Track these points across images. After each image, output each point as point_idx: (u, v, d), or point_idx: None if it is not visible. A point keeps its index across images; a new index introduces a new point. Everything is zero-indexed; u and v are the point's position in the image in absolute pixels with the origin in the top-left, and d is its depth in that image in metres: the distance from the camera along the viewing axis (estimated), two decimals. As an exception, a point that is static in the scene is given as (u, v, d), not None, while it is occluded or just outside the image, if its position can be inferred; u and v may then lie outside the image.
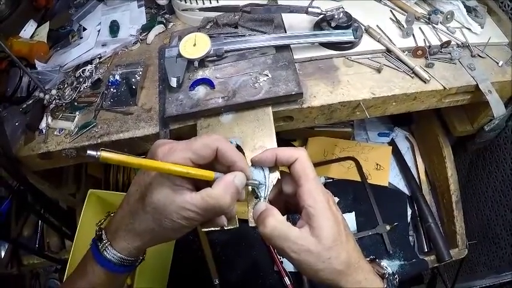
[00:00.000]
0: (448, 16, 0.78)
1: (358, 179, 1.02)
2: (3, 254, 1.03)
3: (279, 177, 0.49)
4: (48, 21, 0.91)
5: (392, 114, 0.76)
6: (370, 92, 0.69)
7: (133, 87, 0.76)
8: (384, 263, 0.49)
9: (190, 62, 0.69)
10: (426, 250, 0.94)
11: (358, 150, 1.07)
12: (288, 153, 0.47)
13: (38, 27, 0.90)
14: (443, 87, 0.70)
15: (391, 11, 0.82)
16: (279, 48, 0.72)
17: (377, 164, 1.04)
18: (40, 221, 1.04)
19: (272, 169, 0.49)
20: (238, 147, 0.60)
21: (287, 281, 0.87)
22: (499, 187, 0.90)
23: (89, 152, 0.36)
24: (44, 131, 0.73)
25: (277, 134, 0.63)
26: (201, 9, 0.80)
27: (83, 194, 0.93)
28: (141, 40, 0.88)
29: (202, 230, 0.49)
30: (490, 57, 0.75)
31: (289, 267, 0.89)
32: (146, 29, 0.88)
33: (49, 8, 0.97)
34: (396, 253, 0.90)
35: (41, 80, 0.79)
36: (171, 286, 0.89)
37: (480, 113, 0.80)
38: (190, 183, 0.44)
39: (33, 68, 0.81)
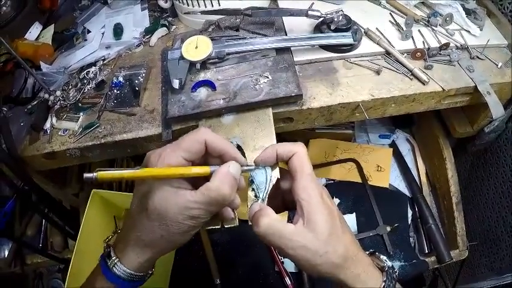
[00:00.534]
0: (447, 18, 0.79)
1: (359, 180, 1.02)
2: (7, 252, 1.04)
3: (279, 177, 0.50)
4: (53, 24, 0.92)
5: (393, 116, 0.77)
6: (369, 94, 0.70)
7: (137, 88, 0.77)
8: (384, 256, 0.49)
9: (192, 64, 0.70)
10: (427, 251, 0.94)
11: (359, 152, 1.07)
12: (287, 147, 0.47)
13: (43, 29, 0.91)
14: (442, 88, 0.71)
15: (390, 13, 0.83)
16: (280, 51, 0.73)
17: (378, 166, 1.04)
18: (44, 221, 1.05)
19: (272, 167, 0.50)
20: (239, 148, 0.60)
21: (288, 281, 0.87)
22: (500, 188, 0.90)
23: (85, 175, 0.38)
24: (48, 131, 0.74)
25: (278, 135, 0.63)
26: (203, 12, 0.81)
27: (86, 193, 0.94)
28: (144, 42, 0.89)
29: (204, 228, 0.49)
30: (489, 59, 0.75)
31: (290, 267, 0.89)
32: (149, 31, 0.89)
33: (54, 11, 0.98)
34: (397, 254, 0.90)
35: (45, 82, 0.80)
36: (172, 286, 0.89)
37: (480, 114, 0.80)
38: (188, 183, 0.44)
39: (38, 69, 0.82)
